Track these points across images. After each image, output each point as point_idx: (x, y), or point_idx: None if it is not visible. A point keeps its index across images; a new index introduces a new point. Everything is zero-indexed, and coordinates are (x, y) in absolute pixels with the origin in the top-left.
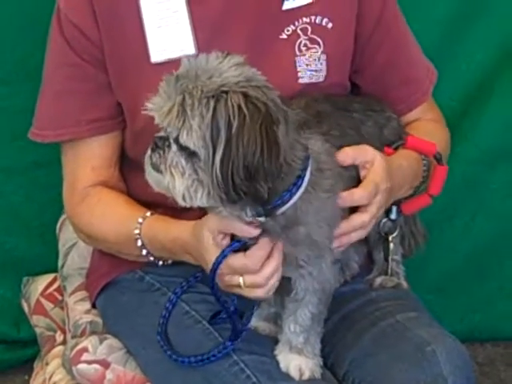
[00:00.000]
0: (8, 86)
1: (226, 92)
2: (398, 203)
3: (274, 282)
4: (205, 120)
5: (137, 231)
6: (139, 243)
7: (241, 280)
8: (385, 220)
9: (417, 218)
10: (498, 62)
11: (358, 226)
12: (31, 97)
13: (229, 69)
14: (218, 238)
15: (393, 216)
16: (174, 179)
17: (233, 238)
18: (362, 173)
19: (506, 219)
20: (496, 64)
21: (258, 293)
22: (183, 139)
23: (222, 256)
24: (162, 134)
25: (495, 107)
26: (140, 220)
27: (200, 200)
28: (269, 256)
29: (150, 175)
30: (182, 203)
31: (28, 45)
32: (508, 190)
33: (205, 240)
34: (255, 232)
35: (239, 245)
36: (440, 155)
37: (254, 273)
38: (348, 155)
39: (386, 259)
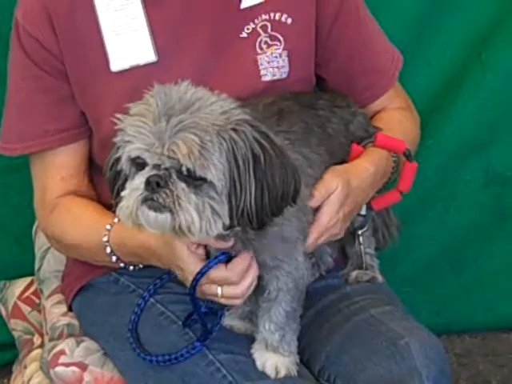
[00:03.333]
0: None
1: (235, 127)
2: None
3: (250, 291)
4: (222, 154)
5: (105, 238)
6: (108, 250)
7: (219, 290)
8: (355, 216)
9: (389, 209)
10: (468, 55)
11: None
12: (2, 101)
13: (211, 102)
14: (192, 248)
15: (363, 212)
16: (192, 216)
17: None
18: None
19: (479, 210)
20: (465, 58)
21: (235, 302)
22: (203, 174)
23: (208, 267)
24: (153, 172)
25: (466, 100)
26: (108, 227)
27: (215, 231)
28: (247, 267)
29: (148, 217)
30: (194, 239)
31: None
32: (481, 181)
33: (178, 250)
34: (228, 244)
35: (224, 258)
36: (409, 152)
37: (234, 285)
38: (317, 200)
39: (360, 254)
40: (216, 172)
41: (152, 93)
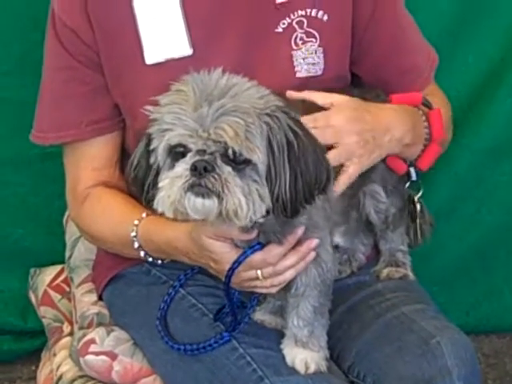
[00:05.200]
0: (14, 77)
1: (271, 113)
2: (413, 164)
3: (291, 275)
4: (263, 137)
5: (133, 234)
6: (136, 245)
7: (258, 272)
8: (408, 183)
9: (424, 208)
10: (505, 53)
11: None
12: (37, 88)
13: (247, 87)
14: (220, 239)
15: (413, 177)
16: (239, 199)
17: None
18: None
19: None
20: (503, 56)
21: (275, 281)
22: (249, 156)
23: (244, 257)
24: (198, 157)
25: (502, 99)
26: (136, 222)
27: (259, 216)
28: (284, 251)
29: (194, 203)
30: (241, 224)
31: (34, 37)
32: None
33: (208, 243)
34: (252, 235)
35: (260, 247)
36: (427, 101)
37: (272, 265)
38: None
39: (414, 221)
40: (260, 155)
41: (184, 82)
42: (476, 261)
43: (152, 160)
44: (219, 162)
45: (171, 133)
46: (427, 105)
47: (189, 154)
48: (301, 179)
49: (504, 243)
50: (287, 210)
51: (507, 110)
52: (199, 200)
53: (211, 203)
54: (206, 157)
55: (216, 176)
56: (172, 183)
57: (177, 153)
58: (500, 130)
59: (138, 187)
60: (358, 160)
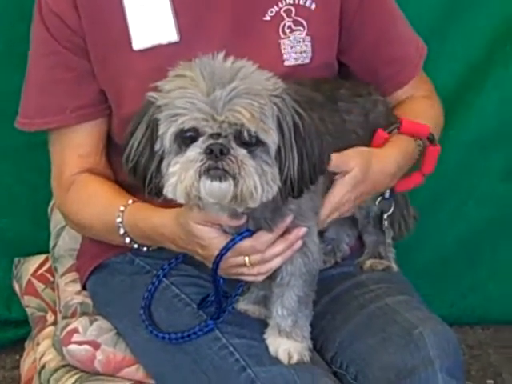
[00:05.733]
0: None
1: (279, 94)
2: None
3: (278, 263)
4: (274, 119)
5: (119, 219)
6: (121, 231)
7: (246, 259)
8: (380, 199)
9: (407, 200)
10: (493, 46)
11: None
12: (23, 78)
13: (253, 70)
14: (208, 225)
15: (387, 195)
16: (255, 181)
17: None
18: (337, 176)
19: (498, 204)
20: (491, 48)
21: (262, 269)
22: (265, 138)
23: (233, 243)
24: (212, 141)
25: (490, 91)
26: (122, 208)
27: (270, 197)
28: (273, 239)
29: (211, 187)
30: (254, 205)
31: (20, 28)
32: (501, 175)
33: (197, 229)
34: (241, 221)
35: (249, 234)
36: (433, 136)
37: (261, 252)
38: (332, 166)
39: (383, 241)
40: (274, 136)
41: (186, 67)
42: (461, 253)
43: (157, 146)
44: (233, 144)
45: (184, 117)
46: (431, 139)
47: (201, 138)
48: (307, 160)
49: (490, 236)
50: (294, 190)
51: (493, 102)
52: (215, 183)
53: (227, 186)
54: (220, 140)
55: (232, 158)
56: (185, 168)
57: (185, 138)
58: (485, 122)
59: (139, 176)
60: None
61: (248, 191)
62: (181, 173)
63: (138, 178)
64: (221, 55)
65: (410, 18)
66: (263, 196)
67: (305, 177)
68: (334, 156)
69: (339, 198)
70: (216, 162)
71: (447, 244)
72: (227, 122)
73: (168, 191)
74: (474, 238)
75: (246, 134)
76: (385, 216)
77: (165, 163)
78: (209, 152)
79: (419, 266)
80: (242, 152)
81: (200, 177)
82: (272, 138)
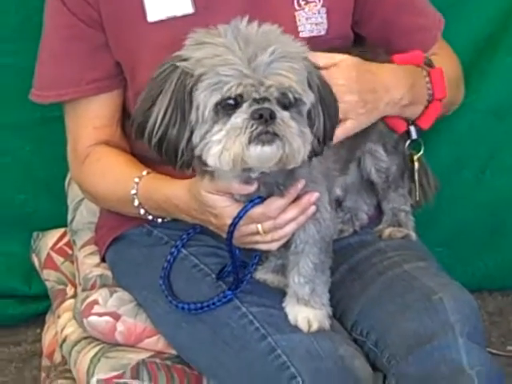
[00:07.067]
0: (14, 43)
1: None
2: (413, 123)
3: (292, 229)
4: (306, 81)
5: (133, 191)
6: (136, 203)
7: (259, 226)
8: (408, 142)
9: (428, 169)
10: (506, 14)
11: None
12: (36, 54)
13: (280, 33)
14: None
15: (413, 136)
16: (299, 143)
17: None
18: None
19: None
20: (504, 17)
21: (276, 236)
22: (307, 100)
23: (244, 211)
24: (257, 106)
25: (503, 59)
26: (136, 180)
27: (305, 157)
28: (284, 205)
29: (261, 152)
30: (295, 165)
31: (33, 2)
32: None
33: (209, 199)
34: (252, 188)
35: (260, 201)
36: (429, 60)
37: (273, 219)
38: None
39: (413, 180)
40: (311, 97)
41: (215, 33)
42: (479, 222)
43: (193, 116)
44: (278, 108)
45: (229, 84)
46: (429, 64)
47: (244, 104)
48: (328, 120)
49: (509, 204)
50: (318, 150)
51: (509, 69)
52: (266, 148)
53: (275, 149)
54: (266, 104)
55: (280, 122)
56: (232, 134)
57: (226, 105)
58: (501, 89)
59: (168, 149)
60: (356, 117)
61: (293, 153)
62: (227, 140)
63: (167, 152)
64: (245, 20)
65: None
66: (304, 156)
67: (327, 136)
68: (320, 54)
69: (344, 80)
70: (266, 126)
71: (466, 213)
72: (274, 86)
73: (213, 160)
74: (493, 206)
75: (291, 96)
76: (415, 158)
77: (197, 133)
78: (257, 117)
79: (438, 235)
80: (286, 115)
81: (250, 142)
82: (310, 99)
